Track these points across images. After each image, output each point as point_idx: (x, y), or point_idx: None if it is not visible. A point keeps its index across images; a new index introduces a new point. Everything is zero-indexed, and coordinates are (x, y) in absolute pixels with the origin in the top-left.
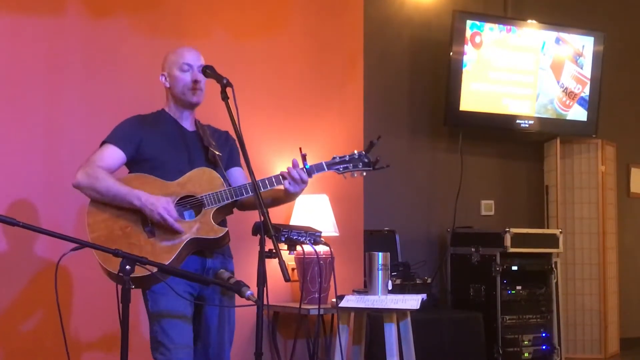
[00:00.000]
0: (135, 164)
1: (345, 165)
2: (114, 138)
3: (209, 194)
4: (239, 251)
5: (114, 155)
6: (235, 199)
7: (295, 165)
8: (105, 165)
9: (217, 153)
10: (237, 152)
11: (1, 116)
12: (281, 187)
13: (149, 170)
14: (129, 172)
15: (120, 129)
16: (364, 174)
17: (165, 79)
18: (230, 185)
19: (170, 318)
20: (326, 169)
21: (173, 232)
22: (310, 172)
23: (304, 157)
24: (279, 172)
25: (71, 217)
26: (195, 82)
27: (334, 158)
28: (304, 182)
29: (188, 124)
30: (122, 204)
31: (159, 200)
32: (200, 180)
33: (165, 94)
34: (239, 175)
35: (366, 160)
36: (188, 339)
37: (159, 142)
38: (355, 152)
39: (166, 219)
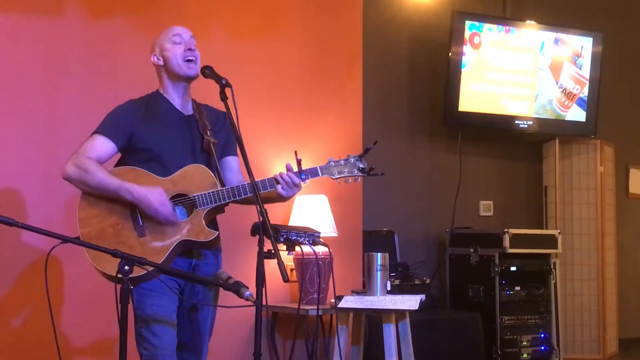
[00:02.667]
0: (129, 153)
1: (340, 170)
2: (105, 128)
3: (201, 194)
4: (237, 251)
5: (104, 146)
6: (228, 200)
7: (289, 169)
8: (95, 157)
9: (212, 140)
10: (234, 139)
11: (1, 116)
12: (274, 190)
13: (144, 161)
14: (124, 162)
15: (111, 118)
16: (358, 179)
17: (157, 57)
18: (222, 181)
19: (155, 319)
20: (320, 174)
21: (164, 233)
22: (304, 177)
23: (299, 162)
24: (273, 175)
25: (69, 214)
26: (190, 50)
27: (329, 162)
28: (297, 187)
29: (185, 107)
30: (113, 197)
31: (152, 194)
32: (194, 178)
33: (159, 76)
34: (234, 165)
35: (361, 165)
36: (172, 343)
37: (154, 132)
38: (351, 156)
39: (162, 213)
